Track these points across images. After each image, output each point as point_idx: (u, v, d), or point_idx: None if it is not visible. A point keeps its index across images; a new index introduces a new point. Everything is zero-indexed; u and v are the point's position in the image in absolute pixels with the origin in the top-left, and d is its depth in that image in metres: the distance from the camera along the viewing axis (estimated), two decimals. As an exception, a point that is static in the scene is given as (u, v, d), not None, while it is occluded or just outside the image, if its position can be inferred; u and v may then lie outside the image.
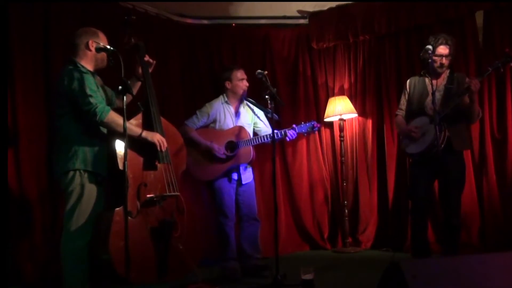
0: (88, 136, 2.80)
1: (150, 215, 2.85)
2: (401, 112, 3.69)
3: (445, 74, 3.54)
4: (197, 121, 3.80)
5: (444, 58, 3.44)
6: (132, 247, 2.59)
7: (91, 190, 2.77)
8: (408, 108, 3.64)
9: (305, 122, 3.75)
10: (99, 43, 2.85)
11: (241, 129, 3.74)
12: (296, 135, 3.73)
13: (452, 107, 3.31)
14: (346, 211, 4.78)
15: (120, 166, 2.76)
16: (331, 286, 3.37)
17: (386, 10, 4.67)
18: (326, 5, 4.96)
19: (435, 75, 3.47)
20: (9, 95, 3.36)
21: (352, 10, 4.87)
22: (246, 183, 3.78)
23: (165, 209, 2.93)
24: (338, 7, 4.95)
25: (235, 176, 3.74)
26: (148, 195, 2.86)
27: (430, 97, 3.39)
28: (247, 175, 3.81)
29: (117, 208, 2.69)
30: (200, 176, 3.76)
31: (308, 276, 2.95)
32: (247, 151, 3.66)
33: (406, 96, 3.67)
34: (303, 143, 4.99)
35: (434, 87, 3.30)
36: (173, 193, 2.96)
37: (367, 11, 4.78)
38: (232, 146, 3.69)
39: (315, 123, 3.73)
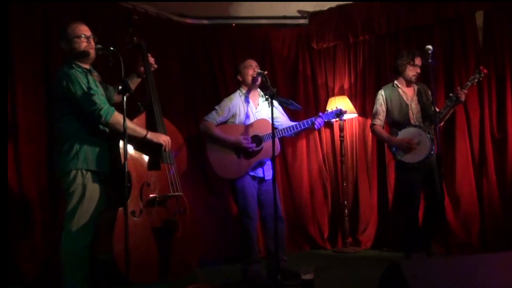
0: (89, 135, 2.79)
1: (153, 215, 2.85)
2: (379, 122, 3.91)
3: (413, 85, 3.88)
4: (217, 116, 3.60)
5: (419, 68, 3.76)
6: (135, 247, 2.60)
7: (93, 190, 2.76)
8: (389, 119, 3.89)
9: (329, 110, 3.71)
10: (70, 41, 2.80)
11: (264, 122, 3.58)
12: (323, 123, 3.64)
13: (442, 116, 3.65)
14: (346, 211, 4.79)
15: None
16: (331, 286, 3.37)
17: (386, 10, 4.68)
18: (326, 5, 4.97)
19: (408, 84, 3.85)
20: (9, 95, 3.37)
21: (352, 10, 4.88)
22: (267, 180, 3.61)
23: (168, 209, 2.92)
24: (338, 7, 4.95)
25: (260, 172, 3.60)
26: (151, 195, 2.86)
27: (409, 107, 3.78)
28: (270, 172, 3.61)
29: (121, 208, 2.68)
30: (226, 174, 3.56)
31: (308, 276, 2.94)
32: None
33: (384, 107, 3.89)
34: (303, 143, 5.00)
35: (429, 96, 3.77)
36: (176, 193, 2.95)
37: (367, 11, 4.78)
38: (258, 140, 3.53)
39: (342, 109, 3.69)
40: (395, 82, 3.90)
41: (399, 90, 3.85)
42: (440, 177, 3.48)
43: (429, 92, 3.84)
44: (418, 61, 3.78)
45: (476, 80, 3.65)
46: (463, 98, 3.60)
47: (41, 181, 3.56)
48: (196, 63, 4.82)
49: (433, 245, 4.04)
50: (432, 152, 3.61)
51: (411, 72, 3.79)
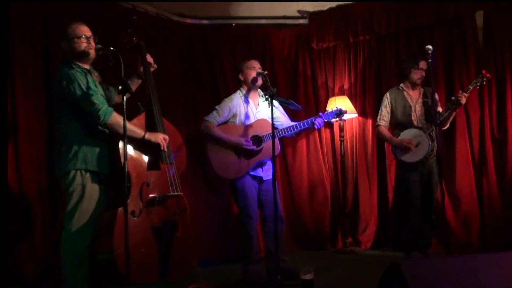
0: (88, 136, 2.79)
1: (153, 215, 2.85)
2: (384, 123, 4.03)
3: (420, 88, 3.95)
4: (218, 116, 3.59)
5: (424, 72, 3.85)
6: (135, 247, 2.60)
7: (92, 190, 2.76)
8: (394, 120, 4.00)
9: (330, 110, 3.72)
10: (70, 41, 2.80)
11: (264, 122, 3.56)
12: (323, 123, 3.65)
13: (442, 119, 3.70)
14: (346, 211, 4.79)
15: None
16: (331, 286, 3.37)
17: (386, 10, 4.67)
18: (326, 5, 4.97)
19: (413, 87, 3.96)
20: (9, 96, 3.36)
21: (352, 10, 4.87)
22: (267, 180, 3.59)
23: (168, 209, 2.93)
24: (338, 7, 4.95)
25: (259, 172, 3.59)
26: (150, 195, 2.86)
27: (413, 109, 3.90)
28: (270, 172, 3.59)
29: (121, 208, 2.68)
30: (226, 174, 3.56)
31: (308, 276, 2.94)
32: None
33: (388, 108, 4.01)
34: (303, 143, 4.99)
35: (429, 100, 3.81)
36: (176, 193, 2.95)
37: (367, 11, 4.78)
38: (258, 141, 3.53)
39: (341, 109, 3.71)
40: (401, 85, 4.03)
41: (404, 92, 3.99)
42: (440, 179, 3.50)
43: (436, 95, 3.88)
44: (422, 64, 3.85)
45: (478, 84, 3.72)
46: (463, 101, 3.66)
47: (41, 181, 3.56)
48: (196, 63, 4.82)
49: (432, 246, 4.06)
50: (431, 153, 3.72)
51: (416, 75, 3.89)
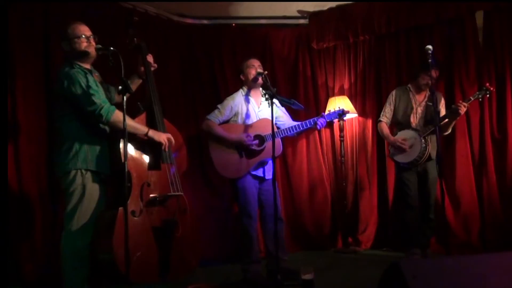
0: (89, 135, 2.79)
1: (153, 214, 2.85)
2: (385, 120, 4.10)
3: (426, 92, 3.97)
4: (220, 114, 3.60)
5: (432, 80, 3.78)
6: (135, 247, 2.60)
7: (93, 190, 2.76)
8: (394, 118, 4.07)
9: (332, 110, 3.71)
10: (70, 41, 2.81)
11: (266, 122, 3.54)
12: (326, 123, 3.65)
13: (438, 124, 3.65)
14: (346, 211, 4.79)
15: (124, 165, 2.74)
16: (331, 286, 3.37)
17: (386, 10, 4.67)
18: (326, 5, 4.96)
19: (419, 90, 4.01)
20: (9, 95, 3.36)
21: (352, 10, 4.87)
22: (268, 179, 3.58)
23: (168, 209, 2.92)
24: (338, 7, 4.95)
25: (260, 172, 3.59)
26: (151, 195, 2.86)
27: (414, 111, 3.96)
28: (271, 171, 3.56)
29: (121, 207, 2.68)
30: (227, 173, 3.56)
31: (308, 276, 2.94)
32: (276, 144, 3.32)
33: (392, 106, 4.07)
34: (303, 143, 4.99)
35: (430, 102, 3.84)
36: (176, 193, 2.95)
37: (367, 11, 4.78)
38: (260, 140, 3.53)
39: (344, 109, 3.71)
40: (409, 85, 4.08)
41: (410, 93, 4.03)
42: (440, 179, 3.50)
43: (442, 100, 3.99)
44: (433, 73, 3.71)
45: (480, 96, 3.75)
46: (462, 111, 3.68)
47: (41, 181, 3.55)
48: (196, 63, 4.82)
49: (432, 246, 4.06)
50: (422, 156, 3.80)
51: (423, 80, 3.91)
